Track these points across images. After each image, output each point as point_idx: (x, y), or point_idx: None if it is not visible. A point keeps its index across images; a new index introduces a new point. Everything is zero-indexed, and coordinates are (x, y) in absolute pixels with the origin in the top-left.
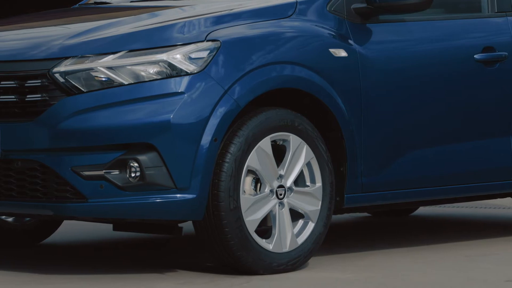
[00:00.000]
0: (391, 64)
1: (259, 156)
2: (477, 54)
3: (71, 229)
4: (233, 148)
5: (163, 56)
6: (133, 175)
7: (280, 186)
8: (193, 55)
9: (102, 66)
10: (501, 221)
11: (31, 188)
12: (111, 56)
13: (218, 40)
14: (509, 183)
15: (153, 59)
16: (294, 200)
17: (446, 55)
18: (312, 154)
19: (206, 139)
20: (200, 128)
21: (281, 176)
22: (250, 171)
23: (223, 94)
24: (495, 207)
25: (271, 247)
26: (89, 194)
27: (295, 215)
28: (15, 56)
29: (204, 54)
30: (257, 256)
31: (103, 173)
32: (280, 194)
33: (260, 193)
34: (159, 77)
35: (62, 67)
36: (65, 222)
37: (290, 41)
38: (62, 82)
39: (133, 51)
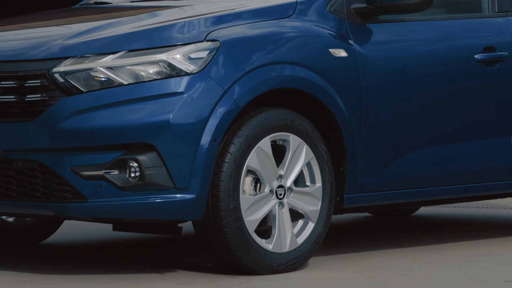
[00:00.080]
0: (391, 64)
1: (259, 156)
2: (477, 54)
3: (71, 229)
4: (232, 148)
5: (162, 56)
6: (132, 175)
7: (280, 186)
8: (192, 55)
9: (101, 66)
10: (502, 221)
11: (31, 188)
12: (110, 56)
13: (217, 40)
14: (510, 183)
15: (153, 59)
16: (294, 200)
17: (446, 55)
18: (312, 154)
19: (205, 139)
20: (200, 128)
21: (281, 176)
22: (249, 171)
23: (223, 94)
24: (495, 207)
25: (271, 247)
26: (89, 194)
27: (295, 215)
28: (15, 56)
29: (204, 54)
30: (257, 256)
31: (102, 173)
32: (280, 194)
33: (260, 193)
34: (159, 77)
35: (62, 67)
36: (65, 222)
37: (290, 41)
38: (62, 82)
39: (132, 51)
